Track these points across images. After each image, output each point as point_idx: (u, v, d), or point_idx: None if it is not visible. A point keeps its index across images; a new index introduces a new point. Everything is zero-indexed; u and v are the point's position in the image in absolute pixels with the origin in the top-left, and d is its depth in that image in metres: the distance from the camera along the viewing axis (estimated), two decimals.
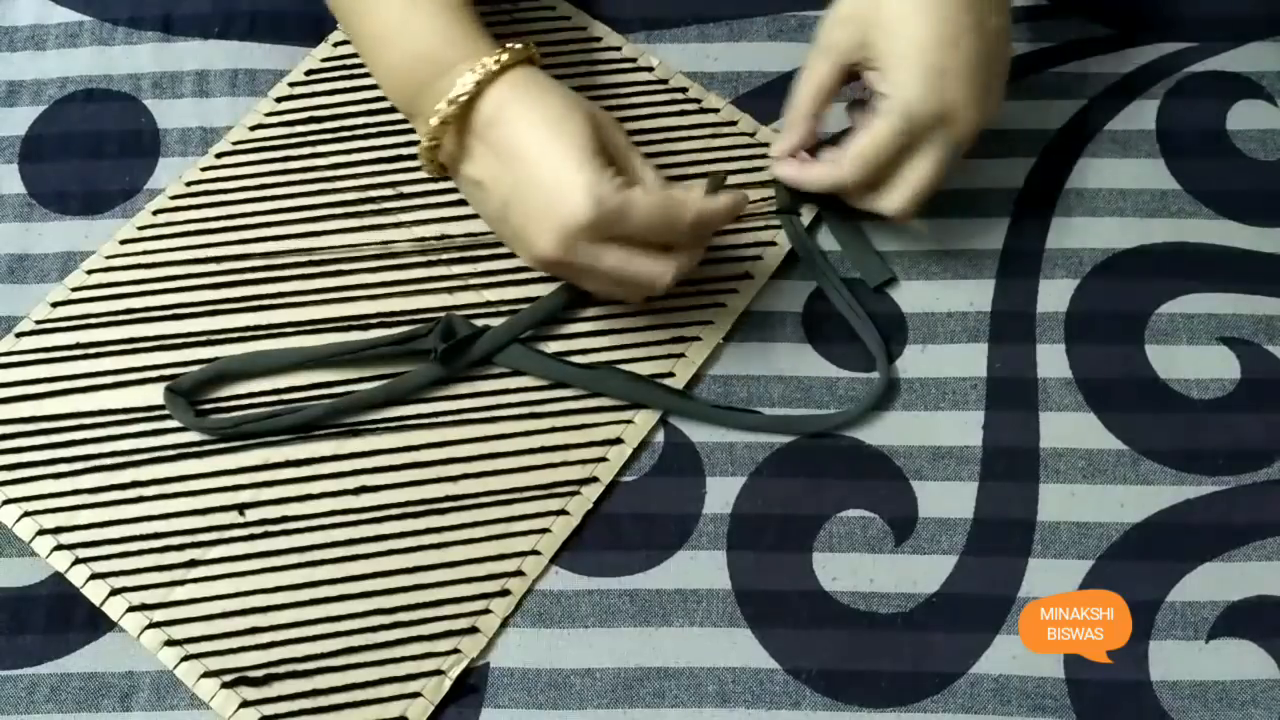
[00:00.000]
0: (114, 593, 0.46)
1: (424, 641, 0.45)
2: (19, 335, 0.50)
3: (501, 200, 0.45)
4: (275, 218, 0.52)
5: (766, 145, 0.54)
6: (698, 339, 0.50)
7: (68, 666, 0.45)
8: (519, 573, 0.46)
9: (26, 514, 0.47)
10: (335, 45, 0.57)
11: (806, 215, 0.53)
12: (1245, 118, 0.55)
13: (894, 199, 0.48)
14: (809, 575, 0.47)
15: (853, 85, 0.50)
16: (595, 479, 0.48)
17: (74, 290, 0.51)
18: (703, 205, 0.45)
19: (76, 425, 0.49)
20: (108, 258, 0.52)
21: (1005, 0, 0.48)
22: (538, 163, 0.44)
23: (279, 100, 0.55)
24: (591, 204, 0.42)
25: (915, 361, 0.50)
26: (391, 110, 0.55)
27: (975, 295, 0.52)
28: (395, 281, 0.51)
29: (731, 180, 0.53)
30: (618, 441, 0.49)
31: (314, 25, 0.57)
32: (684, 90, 0.56)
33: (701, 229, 0.46)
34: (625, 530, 0.48)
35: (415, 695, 0.44)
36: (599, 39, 0.57)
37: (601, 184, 0.43)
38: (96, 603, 0.46)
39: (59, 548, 0.47)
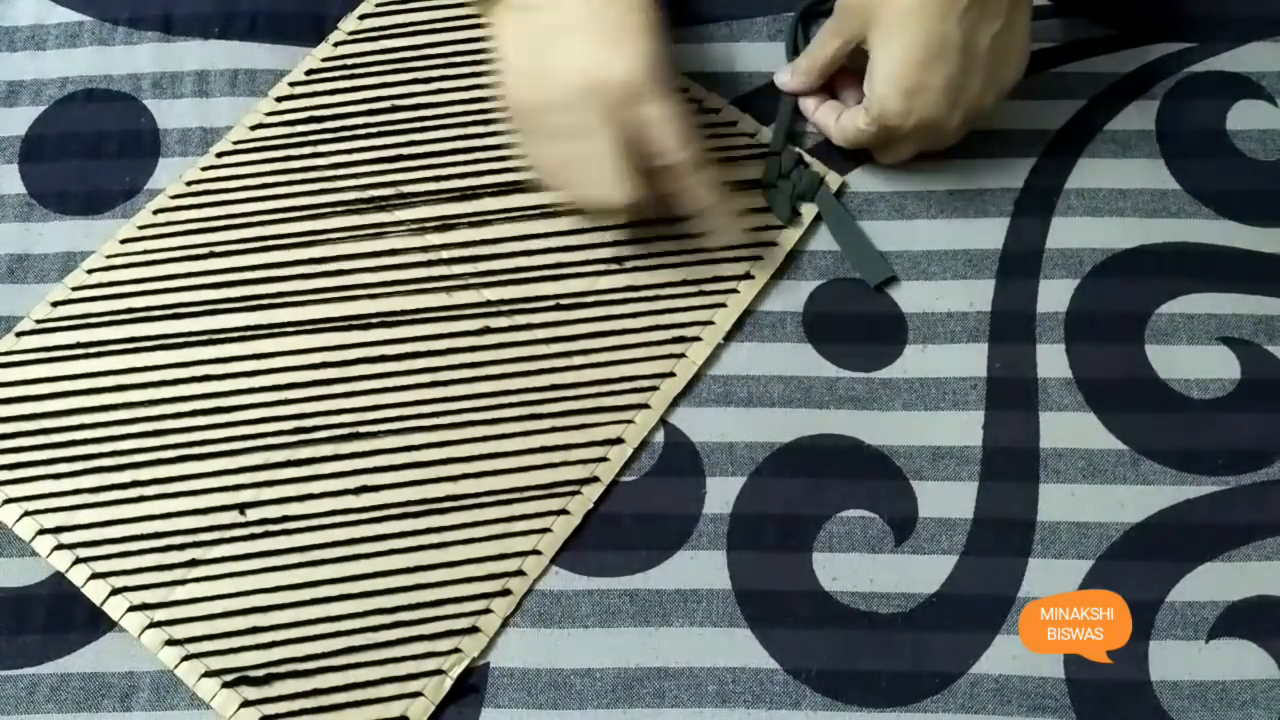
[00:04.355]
0: (114, 592, 0.46)
1: (425, 641, 0.45)
2: (19, 335, 0.50)
3: (554, 27, 0.45)
4: (276, 217, 0.52)
5: (766, 146, 0.54)
6: (698, 339, 0.50)
7: (68, 666, 0.45)
8: (520, 572, 0.47)
9: (27, 513, 0.47)
10: (335, 45, 0.57)
11: (807, 215, 0.53)
12: (1245, 118, 0.55)
13: (881, 158, 0.54)
14: (809, 575, 0.47)
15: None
16: (596, 479, 0.48)
17: (74, 290, 0.51)
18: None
19: (77, 425, 0.49)
20: (108, 257, 0.52)
21: (999, 22, 0.48)
22: (611, 13, 0.44)
23: (279, 100, 0.55)
24: (638, 70, 0.44)
25: (915, 361, 0.50)
26: (392, 110, 0.55)
27: (975, 295, 0.52)
28: (395, 281, 0.51)
29: (731, 180, 0.53)
30: (618, 441, 0.49)
31: (314, 25, 0.57)
32: (684, 90, 0.56)
33: (684, 176, 0.46)
34: (625, 530, 0.48)
35: (416, 695, 0.44)
36: None
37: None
38: (97, 602, 0.46)
39: (59, 547, 0.47)
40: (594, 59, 0.44)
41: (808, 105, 0.55)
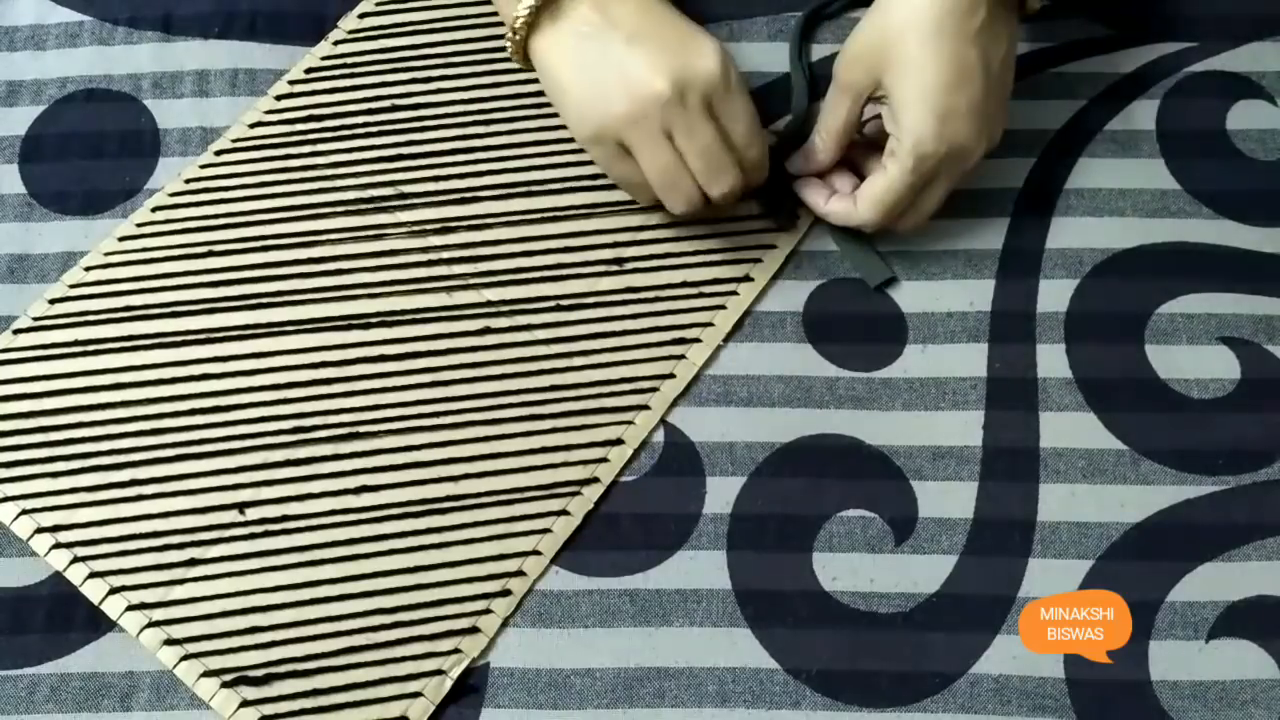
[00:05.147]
0: (112, 591, 0.46)
1: (425, 641, 0.45)
2: (17, 332, 0.50)
3: (619, 40, 0.45)
4: (275, 216, 0.52)
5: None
6: (698, 340, 0.50)
7: (68, 666, 0.45)
8: (520, 573, 0.46)
9: (24, 512, 0.47)
10: (335, 44, 0.57)
11: (806, 217, 0.53)
12: (1245, 118, 0.55)
13: (904, 223, 0.51)
14: (809, 575, 0.47)
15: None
16: (596, 479, 0.48)
17: (72, 287, 0.51)
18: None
19: (74, 423, 0.49)
20: (106, 255, 0.52)
21: (1009, 26, 0.48)
22: (663, 17, 0.46)
23: (279, 99, 0.55)
24: (720, 59, 0.45)
25: (915, 361, 0.50)
26: (391, 110, 0.55)
27: (975, 295, 0.52)
28: (395, 281, 0.51)
29: None
30: (618, 442, 0.49)
31: (314, 24, 0.57)
32: None
33: (761, 161, 0.48)
34: (625, 530, 0.48)
35: (416, 695, 0.44)
36: None
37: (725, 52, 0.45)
38: (95, 601, 0.46)
39: (57, 546, 0.47)
40: (678, 57, 0.44)
41: (817, 201, 0.51)
